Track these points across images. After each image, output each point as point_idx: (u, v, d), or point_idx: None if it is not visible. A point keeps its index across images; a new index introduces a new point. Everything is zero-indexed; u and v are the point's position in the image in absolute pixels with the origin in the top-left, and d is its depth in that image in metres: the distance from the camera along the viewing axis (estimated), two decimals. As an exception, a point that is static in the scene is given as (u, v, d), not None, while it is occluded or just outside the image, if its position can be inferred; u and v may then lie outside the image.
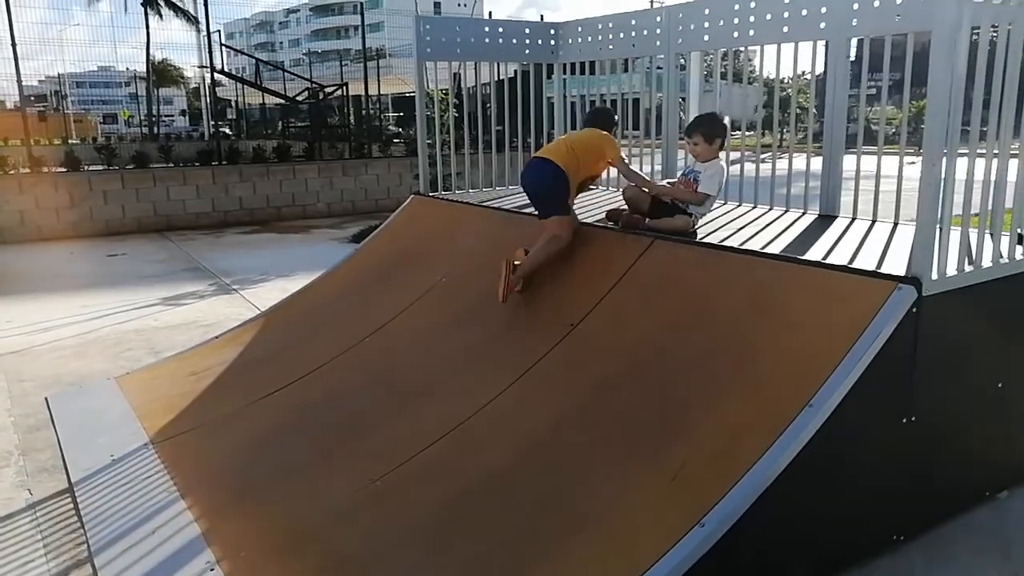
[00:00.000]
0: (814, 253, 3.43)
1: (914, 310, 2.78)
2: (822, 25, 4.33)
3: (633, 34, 5.54)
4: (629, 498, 2.73)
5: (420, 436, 3.39)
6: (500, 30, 5.99)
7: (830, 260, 3.26)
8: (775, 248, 3.59)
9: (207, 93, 33.38)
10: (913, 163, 4.74)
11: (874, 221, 4.28)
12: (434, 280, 4.68)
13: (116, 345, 6.10)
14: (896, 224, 4.18)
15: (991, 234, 3.15)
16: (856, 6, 4.16)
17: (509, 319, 4.03)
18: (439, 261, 4.86)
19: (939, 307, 2.86)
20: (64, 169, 12.17)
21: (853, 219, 4.37)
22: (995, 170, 3.09)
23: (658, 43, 5.36)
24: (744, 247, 3.55)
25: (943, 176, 2.80)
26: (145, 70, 34.02)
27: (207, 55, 23.05)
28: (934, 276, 2.84)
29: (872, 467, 2.90)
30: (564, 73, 6.26)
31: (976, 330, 3.12)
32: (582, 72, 6.11)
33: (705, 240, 3.79)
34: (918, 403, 2.93)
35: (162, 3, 33.47)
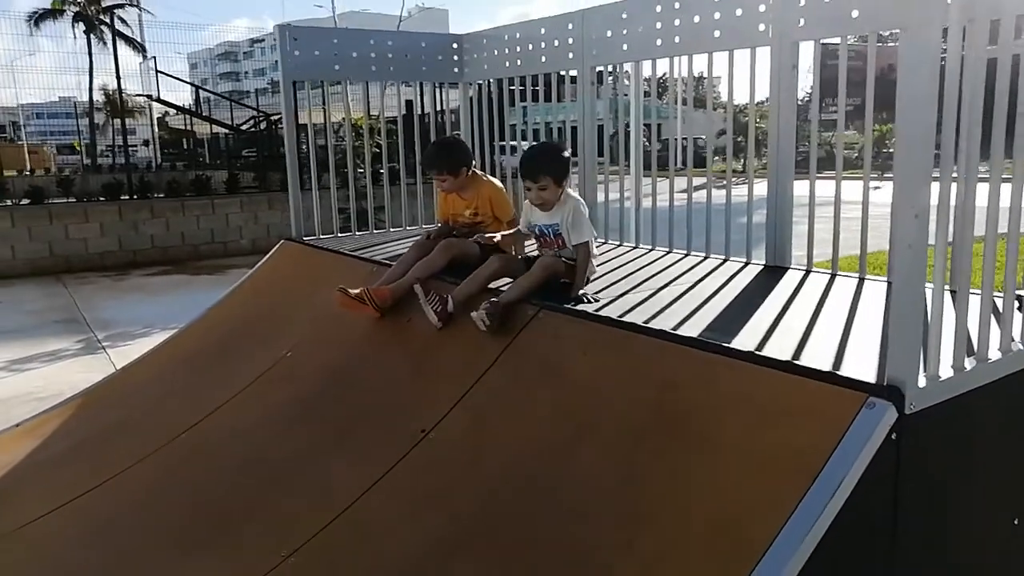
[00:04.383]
0: (749, 334, 2.44)
1: (893, 435, 1.81)
2: (761, 27, 3.41)
3: (543, 45, 4.59)
4: None
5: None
6: (390, 43, 4.99)
7: (769, 349, 2.26)
8: (699, 323, 2.60)
9: (152, 122, 32.51)
10: (878, 187, 3.89)
11: (833, 275, 3.34)
12: (279, 355, 3.63)
13: (-83, 429, 4.91)
14: (862, 279, 3.24)
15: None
16: (802, 2, 3.26)
17: (352, 412, 3.00)
18: (290, 328, 3.81)
19: (930, 425, 1.89)
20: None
21: (807, 272, 3.43)
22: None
23: (571, 55, 4.41)
24: (655, 325, 2.55)
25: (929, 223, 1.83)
26: (104, 100, 33.52)
27: (147, 83, 22.14)
28: (921, 383, 1.87)
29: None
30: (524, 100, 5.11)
31: (982, 449, 2.15)
32: (546, 99, 4.94)
33: (602, 310, 2.77)
34: (900, 568, 1.95)
35: (105, 30, 32.27)
